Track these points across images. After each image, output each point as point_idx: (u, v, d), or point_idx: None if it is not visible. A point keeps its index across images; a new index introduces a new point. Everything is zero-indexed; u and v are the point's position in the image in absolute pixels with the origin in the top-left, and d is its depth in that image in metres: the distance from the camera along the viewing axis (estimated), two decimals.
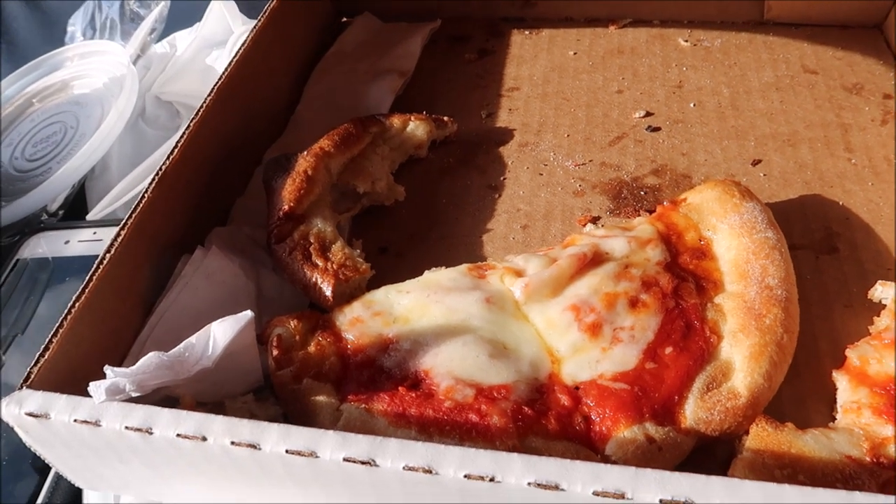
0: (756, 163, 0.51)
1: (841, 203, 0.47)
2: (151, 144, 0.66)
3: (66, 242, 0.55)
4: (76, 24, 0.76)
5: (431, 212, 0.50)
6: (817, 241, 0.45)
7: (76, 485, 0.37)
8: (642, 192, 0.50)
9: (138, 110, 0.68)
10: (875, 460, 0.32)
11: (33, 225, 0.58)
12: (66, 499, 0.42)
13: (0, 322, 0.52)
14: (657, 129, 0.54)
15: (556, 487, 0.26)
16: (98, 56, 0.72)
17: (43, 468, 0.43)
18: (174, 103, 0.70)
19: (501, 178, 0.52)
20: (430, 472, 0.27)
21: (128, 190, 0.58)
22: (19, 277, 0.54)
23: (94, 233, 0.55)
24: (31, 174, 0.64)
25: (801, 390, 0.38)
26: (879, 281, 0.40)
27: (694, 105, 0.56)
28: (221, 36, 0.71)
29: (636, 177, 0.51)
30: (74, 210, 0.62)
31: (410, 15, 0.68)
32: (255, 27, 0.54)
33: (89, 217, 0.58)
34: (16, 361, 0.52)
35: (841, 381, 0.36)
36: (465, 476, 0.27)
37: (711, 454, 0.35)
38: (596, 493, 0.26)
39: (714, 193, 0.43)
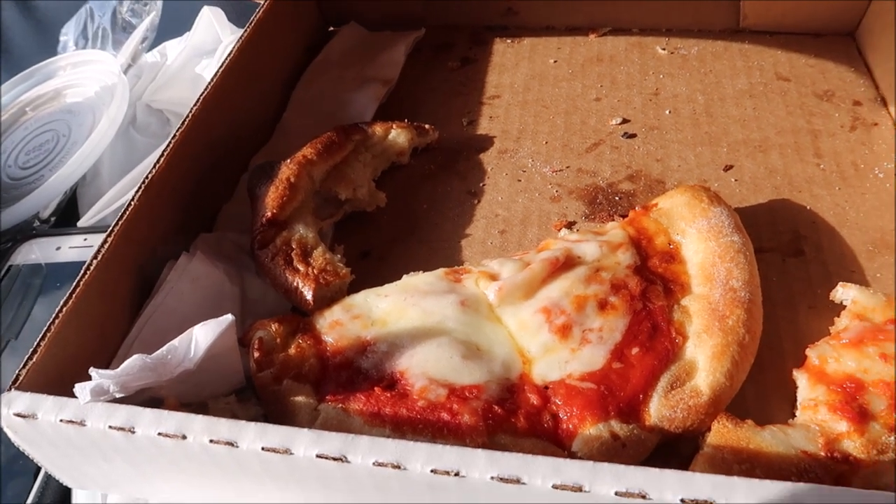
0: (728, 168, 0.52)
1: (808, 207, 0.49)
2: (142, 152, 0.67)
3: (58, 248, 0.56)
4: (69, 33, 0.78)
5: (412, 217, 0.51)
6: (784, 244, 0.47)
7: (64, 483, 0.38)
8: (617, 198, 0.51)
9: (129, 118, 0.70)
10: (829, 455, 0.33)
11: (26, 231, 0.60)
12: (55, 498, 0.43)
13: None
14: (633, 136, 0.56)
15: (518, 481, 0.28)
16: (90, 65, 0.73)
17: (36, 468, 0.44)
18: (164, 111, 0.71)
19: (481, 185, 0.53)
20: (399, 467, 0.28)
21: (118, 197, 0.60)
22: (12, 283, 0.55)
23: (85, 239, 0.56)
24: (23, 181, 0.65)
25: (764, 388, 0.39)
26: (840, 283, 0.41)
27: (669, 112, 0.57)
28: (211, 45, 0.72)
29: (611, 182, 0.52)
30: (66, 216, 0.64)
31: (396, 24, 0.69)
32: (241, 36, 0.55)
33: (80, 223, 0.59)
34: (12, 365, 0.53)
35: (801, 379, 0.38)
36: (432, 471, 0.28)
37: (675, 451, 0.36)
38: (555, 486, 0.27)
39: (683, 199, 0.45)
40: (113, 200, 0.60)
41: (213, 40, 0.73)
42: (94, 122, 0.68)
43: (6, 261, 0.56)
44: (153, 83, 0.72)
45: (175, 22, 0.77)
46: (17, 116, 0.73)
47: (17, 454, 0.45)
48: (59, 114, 0.71)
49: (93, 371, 0.33)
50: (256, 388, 0.38)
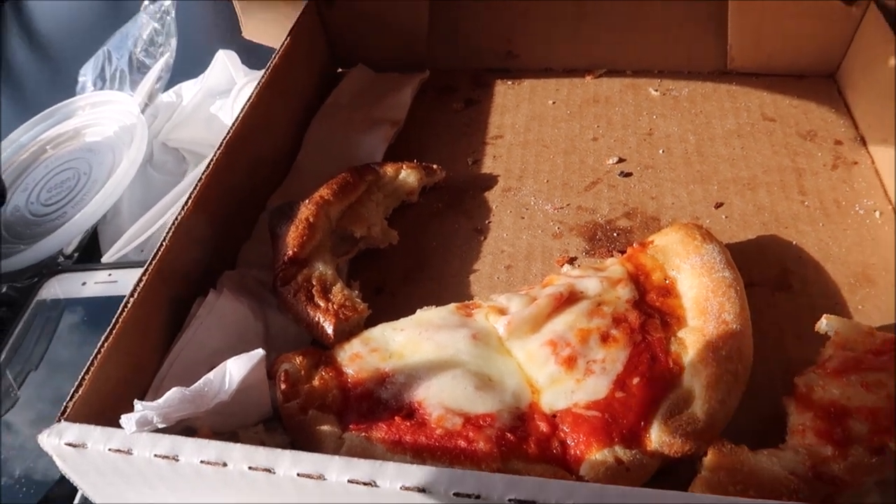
0: (719, 205, 0.56)
1: (794, 243, 0.52)
2: (159, 189, 0.70)
3: (83, 284, 0.58)
4: (87, 74, 0.81)
5: (423, 254, 0.54)
6: (773, 278, 0.50)
7: None
8: (615, 234, 0.54)
9: (146, 156, 0.73)
10: (816, 477, 0.36)
11: (51, 267, 0.62)
12: None
13: (16, 360, 0.56)
14: (629, 175, 0.59)
15: (535, 503, 0.30)
16: (109, 105, 0.76)
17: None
18: (180, 150, 0.74)
19: (487, 222, 0.56)
20: (424, 491, 0.31)
21: (139, 234, 0.63)
22: (36, 317, 0.58)
23: (110, 274, 0.59)
24: (46, 218, 0.68)
25: (756, 414, 0.42)
26: (824, 315, 0.44)
27: (663, 151, 0.61)
28: (225, 86, 0.76)
29: (610, 219, 0.55)
30: (88, 252, 0.66)
31: (402, 66, 0.73)
32: (259, 82, 0.58)
33: (104, 259, 0.62)
34: (30, 395, 0.56)
35: (790, 405, 0.41)
36: (455, 494, 0.31)
37: (675, 474, 0.39)
38: None
39: (678, 236, 0.48)
40: (134, 237, 0.62)
41: (227, 81, 0.76)
42: (113, 160, 0.71)
43: (34, 296, 0.59)
44: (169, 122, 0.75)
45: (190, 64, 0.80)
46: (38, 154, 0.76)
47: (11, 484, 0.48)
48: (80, 152, 0.74)
49: (137, 403, 0.35)
50: (283, 418, 0.41)
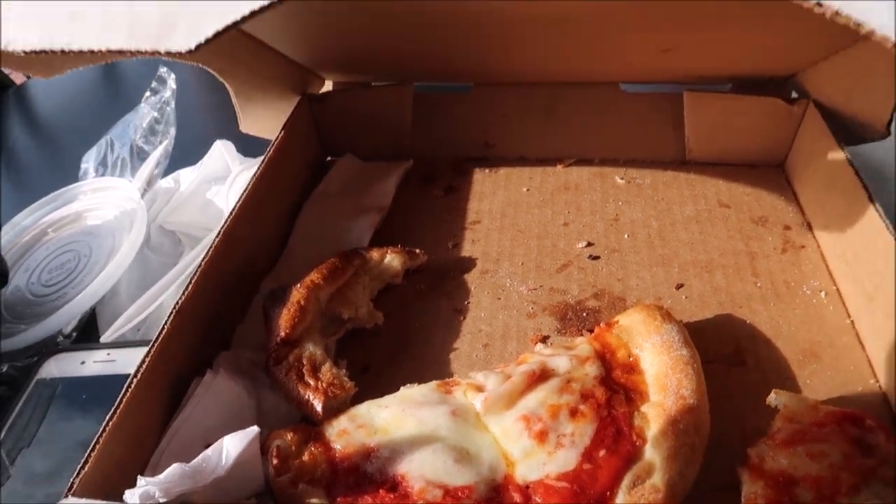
0: (679, 286, 0.60)
1: (748, 321, 0.57)
2: (156, 270, 0.74)
3: (83, 363, 0.61)
4: (90, 161, 0.86)
5: (406, 333, 0.58)
6: (729, 355, 0.54)
7: None
8: (585, 314, 0.59)
9: (144, 239, 0.77)
10: None
11: (50, 346, 0.65)
12: None
13: (11, 437, 0.58)
14: (597, 258, 0.64)
15: None
16: (110, 191, 0.81)
17: None
18: (177, 232, 0.79)
19: (466, 303, 0.61)
20: None
21: (137, 314, 0.66)
22: (36, 396, 0.60)
23: (108, 354, 0.61)
24: (46, 299, 0.71)
25: (713, 483, 0.45)
26: (774, 390, 0.48)
27: (628, 236, 0.66)
28: (221, 173, 0.81)
29: (579, 300, 0.60)
30: (86, 331, 0.69)
31: (387, 155, 0.78)
32: (255, 174, 0.63)
33: (103, 339, 0.65)
34: (21, 471, 0.57)
35: (743, 475, 0.44)
36: None
37: None
38: None
39: (640, 317, 0.52)
40: (132, 317, 0.66)
41: (223, 168, 0.81)
42: (113, 243, 0.75)
43: (34, 375, 0.61)
44: (167, 206, 0.80)
45: (188, 152, 0.85)
46: (40, 237, 0.80)
47: None
48: (80, 235, 0.78)
49: (140, 478, 0.38)
50: (275, 492, 0.43)
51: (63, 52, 0.26)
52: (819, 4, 0.23)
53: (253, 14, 0.24)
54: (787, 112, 0.68)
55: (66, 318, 0.66)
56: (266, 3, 0.24)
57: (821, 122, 0.64)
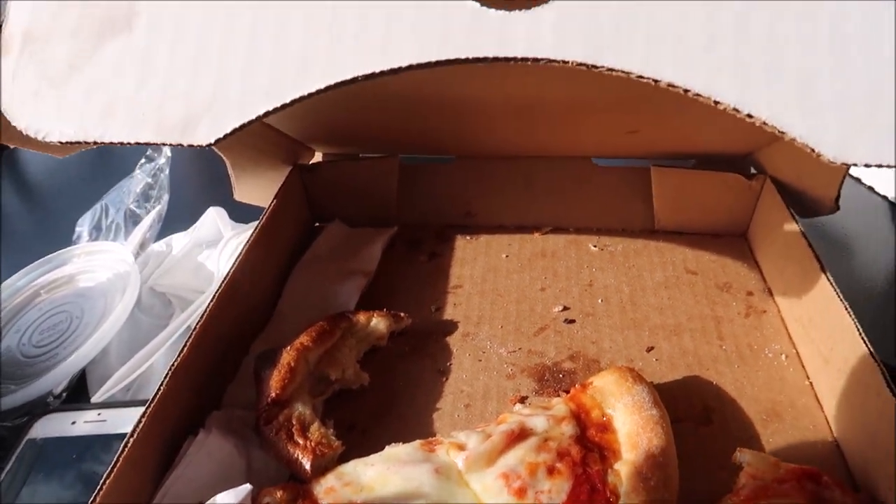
0: (650, 349, 0.64)
1: (714, 382, 0.60)
2: (146, 332, 0.76)
3: (73, 423, 0.63)
4: (84, 225, 0.89)
5: (391, 393, 0.61)
6: (696, 415, 0.57)
7: None
8: (561, 375, 0.62)
9: (136, 301, 0.79)
10: None
11: (41, 407, 0.66)
12: None
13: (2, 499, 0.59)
14: (573, 321, 0.67)
15: None
16: (103, 254, 0.83)
17: None
18: (167, 294, 0.81)
19: (448, 364, 0.64)
20: None
21: (128, 374, 0.68)
22: (25, 456, 0.62)
23: (99, 414, 0.63)
24: (37, 360, 0.72)
25: None
26: (739, 448, 0.51)
27: (601, 301, 0.70)
28: (213, 237, 0.84)
29: (556, 362, 0.63)
30: (76, 392, 0.71)
31: (374, 221, 0.82)
32: (248, 240, 0.66)
33: (93, 399, 0.66)
34: None
35: None
36: None
37: None
38: None
39: (613, 378, 0.56)
40: (123, 378, 0.67)
41: (215, 233, 0.84)
42: (105, 305, 0.77)
43: (24, 435, 0.62)
44: (158, 269, 0.82)
45: (180, 219, 0.89)
46: (32, 298, 0.82)
47: None
48: (73, 297, 0.80)
49: None
50: None
51: (94, 142, 0.30)
52: (749, 116, 0.27)
53: (267, 113, 0.28)
54: (746, 186, 0.74)
55: (58, 378, 0.68)
56: (279, 104, 0.28)
57: (777, 196, 0.70)
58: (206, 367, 0.57)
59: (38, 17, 0.38)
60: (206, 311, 0.58)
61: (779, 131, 0.26)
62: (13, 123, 0.33)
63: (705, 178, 0.75)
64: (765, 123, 0.26)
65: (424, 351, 0.65)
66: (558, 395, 0.58)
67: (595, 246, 0.78)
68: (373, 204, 0.82)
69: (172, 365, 0.52)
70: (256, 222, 0.69)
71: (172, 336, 0.71)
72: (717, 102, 0.29)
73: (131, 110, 0.31)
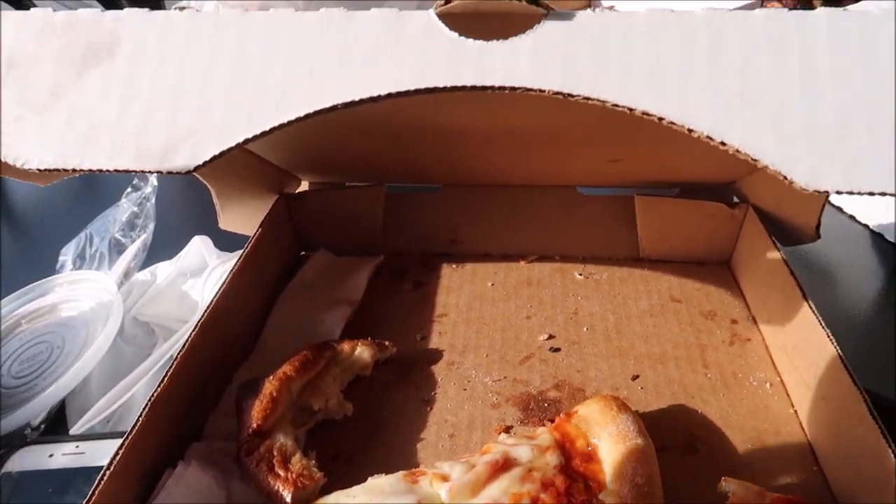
0: (635, 378, 0.64)
1: (700, 411, 0.60)
2: (128, 362, 0.75)
3: (51, 456, 0.61)
4: (68, 254, 0.88)
5: (375, 423, 0.60)
6: (681, 444, 0.57)
7: None
8: (546, 404, 0.61)
9: (118, 330, 0.78)
10: None
11: (18, 439, 0.65)
12: None
13: None
14: (558, 350, 0.67)
15: None
16: (86, 283, 0.83)
17: None
18: (150, 324, 0.80)
19: (433, 393, 0.63)
20: None
21: (107, 406, 0.66)
22: (1, 491, 0.60)
23: (77, 446, 0.62)
24: (16, 391, 0.71)
25: None
26: (724, 478, 0.51)
27: (587, 329, 0.70)
28: (198, 266, 0.84)
29: (541, 391, 0.63)
30: (55, 423, 0.69)
31: (359, 250, 0.82)
32: (233, 269, 0.66)
33: (72, 431, 0.65)
34: None
35: None
36: None
37: None
38: None
39: (597, 407, 0.55)
40: (103, 409, 0.66)
41: (200, 262, 0.84)
42: (87, 334, 0.76)
43: (0, 468, 0.61)
44: (142, 298, 0.82)
45: (165, 247, 0.88)
46: (12, 328, 0.81)
47: None
48: (54, 326, 0.79)
49: None
50: None
51: (74, 170, 0.30)
52: (723, 143, 0.27)
53: (247, 141, 0.28)
54: (729, 215, 0.74)
55: (36, 410, 0.67)
56: (258, 131, 0.28)
57: (759, 224, 0.70)
58: (186, 397, 0.56)
59: (22, 44, 0.38)
60: (188, 340, 0.57)
61: (752, 158, 0.27)
62: None
63: (689, 206, 0.76)
64: (738, 151, 0.27)
65: (409, 380, 0.65)
66: (543, 425, 0.58)
67: (580, 274, 0.78)
68: (359, 233, 0.82)
69: (152, 396, 0.52)
70: (241, 251, 0.68)
71: (155, 366, 0.70)
72: (691, 130, 0.30)
73: (112, 137, 0.31)
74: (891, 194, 0.28)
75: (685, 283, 0.76)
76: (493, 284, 0.77)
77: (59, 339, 0.77)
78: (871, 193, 0.29)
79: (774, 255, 0.66)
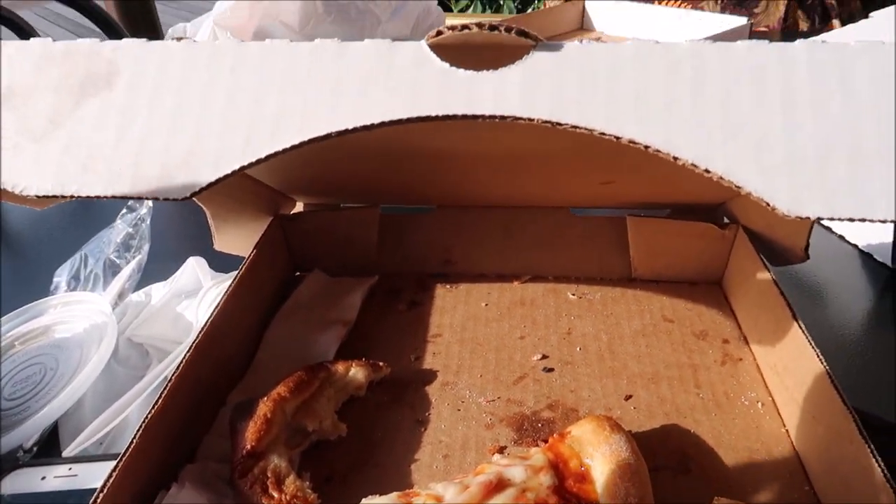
0: (628, 398, 0.64)
1: (692, 431, 0.60)
2: (122, 383, 0.75)
3: (43, 478, 0.61)
4: (62, 275, 0.88)
5: (369, 444, 0.60)
6: (674, 464, 0.57)
7: None
8: (539, 425, 0.62)
9: (112, 351, 0.78)
10: None
11: (10, 462, 0.65)
12: None
13: None
14: (551, 370, 0.68)
15: None
16: (80, 305, 0.83)
17: None
18: (145, 345, 0.80)
19: (427, 414, 0.63)
20: None
21: (101, 428, 0.66)
22: None
23: (70, 469, 0.61)
24: (9, 413, 0.71)
25: None
26: (715, 497, 0.52)
27: (580, 349, 0.70)
28: (193, 287, 0.84)
29: (535, 411, 0.63)
30: (47, 445, 0.69)
31: (354, 271, 0.83)
32: (227, 290, 0.66)
33: (65, 453, 0.65)
34: None
35: None
36: None
37: None
38: None
39: (590, 427, 0.56)
40: (96, 431, 0.66)
41: (194, 283, 0.84)
42: (81, 356, 0.76)
43: None
44: (137, 319, 0.82)
45: (160, 269, 0.89)
46: (6, 350, 0.80)
47: None
48: (48, 348, 0.79)
49: None
50: None
51: (72, 196, 0.31)
52: (707, 171, 0.28)
53: (243, 168, 0.29)
54: (720, 235, 0.75)
55: (29, 432, 0.67)
56: (254, 159, 0.29)
57: (749, 245, 0.71)
58: (180, 418, 0.56)
59: (21, 73, 0.39)
60: (182, 361, 0.58)
61: (735, 186, 0.27)
62: None
63: (680, 227, 0.76)
64: (721, 178, 0.27)
65: (403, 400, 0.65)
66: (537, 445, 0.58)
67: (573, 294, 0.79)
68: (353, 253, 0.83)
69: (146, 418, 0.52)
70: (236, 272, 0.69)
71: (149, 387, 0.70)
72: (676, 158, 0.30)
73: (109, 165, 0.31)
74: (869, 220, 0.29)
75: (677, 303, 0.77)
76: (486, 304, 0.78)
77: (52, 361, 0.77)
78: (851, 219, 0.30)
79: (765, 275, 0.67)
